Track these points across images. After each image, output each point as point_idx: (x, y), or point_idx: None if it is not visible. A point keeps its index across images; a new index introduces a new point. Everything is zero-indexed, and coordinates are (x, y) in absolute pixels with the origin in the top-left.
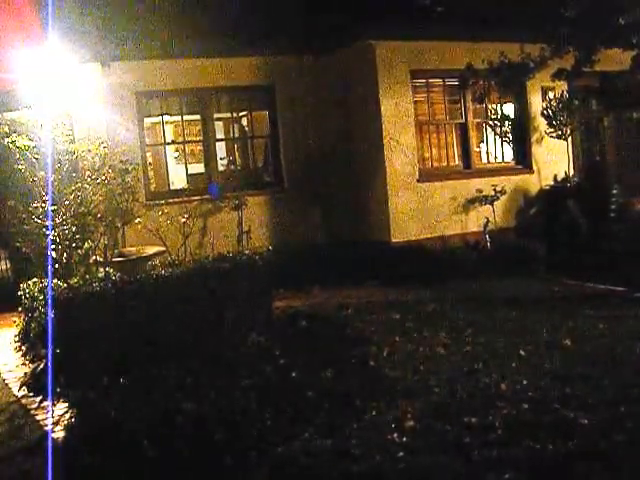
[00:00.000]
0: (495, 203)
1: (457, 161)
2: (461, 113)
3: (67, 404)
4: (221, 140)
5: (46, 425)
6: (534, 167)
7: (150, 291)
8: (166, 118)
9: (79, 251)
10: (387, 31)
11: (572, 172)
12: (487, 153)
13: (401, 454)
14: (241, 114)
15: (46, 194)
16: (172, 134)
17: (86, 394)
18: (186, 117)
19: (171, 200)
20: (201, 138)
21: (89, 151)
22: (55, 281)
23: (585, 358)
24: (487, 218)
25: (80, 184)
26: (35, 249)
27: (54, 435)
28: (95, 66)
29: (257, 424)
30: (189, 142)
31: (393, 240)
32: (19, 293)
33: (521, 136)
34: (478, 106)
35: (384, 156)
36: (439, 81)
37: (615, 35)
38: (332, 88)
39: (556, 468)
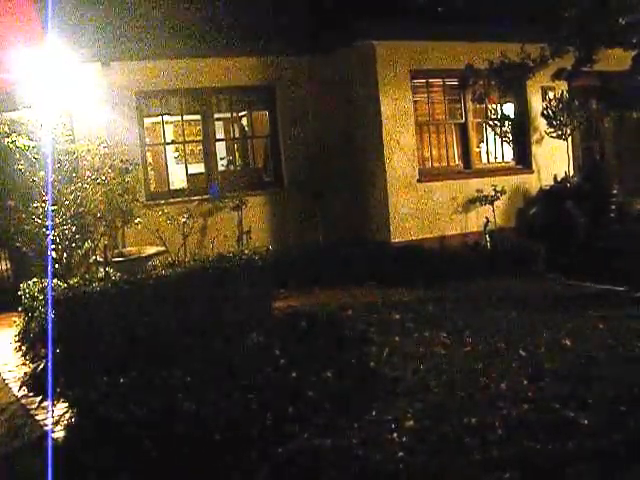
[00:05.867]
0: (495, 203)
1: (457, 161)
2: (461, 113)
3: (67, 404)
4: (221, 140)
5: (46, 425)
6: (534, 167)
7: (150, 291)
8: (166, 118)
9: (79, 251)
10: (387, 31)
11: (572, 172)
12: (487, 153)
13: (401, 454)
14: (241, 114)
15: (46, 194)
16: (172, 134)
17: (86, 394)
18: (186, 117)
19: (171, 200)
20: (201, 138)
21: (89, 151)
22: (55, 281)
23: (585, 358)
24: (487, 218)
25: (80, 184)
26: (35, 249)
27: (54, 435)
28: (95, 66)
29: (257, 424)
30: (189, 142)
31: (393, 240)
32: (19, 293)
33: (521, 136)
34: (478, 106)
35: (384, 156)
36: (439, 81)
37: (615, 35)
38: (332, 88)
39: (556, 468)
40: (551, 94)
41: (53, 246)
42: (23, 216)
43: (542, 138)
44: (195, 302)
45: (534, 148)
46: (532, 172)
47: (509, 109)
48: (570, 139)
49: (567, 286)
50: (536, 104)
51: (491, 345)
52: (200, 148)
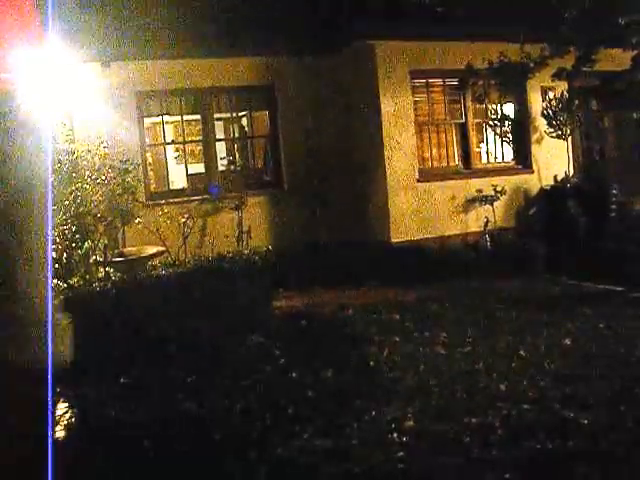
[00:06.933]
0: (495, 203)
1: (457, 161)
2: (461, 113)
3: (67, 404)
4: (221, 140)
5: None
6: (534, 167)
7: (150, 291)
8: (166, 118)
9: (79, 251)
10: (387, 31)
11: (572, 172)
12: (487, 153)
13: (401, 454)
14: (241, 114)
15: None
16: (172, 134)
17: (86, 394)
18: (186, 117)
19: (171, 200)
20: (201, 138)
21: (89, 151)
22: (55, 281)
23: (585, 358)
24: (487, 218)
25: (80, 184)
26: None
27: (54, 435)
28: (95, 66)
29: (257, 424)
30: (189, 142)
31: (393, 240)
32: None
33: (521, 136)
34: (478, 106)
35: (384, 156)
36: (439, 81)
37: (615, 35)
38: (332, 88)
39: (556, 468)
40: (551, 94)
41: (53, 246)
42: None
43: (542, 138)
44: (195, 302)
45: (534, 148)
46: (532, 172)
47: (509, 109)
48: (570, 139)
49: (567, 286)
50: (536, 104)
51: (491, 345)
52: (200, 148)
